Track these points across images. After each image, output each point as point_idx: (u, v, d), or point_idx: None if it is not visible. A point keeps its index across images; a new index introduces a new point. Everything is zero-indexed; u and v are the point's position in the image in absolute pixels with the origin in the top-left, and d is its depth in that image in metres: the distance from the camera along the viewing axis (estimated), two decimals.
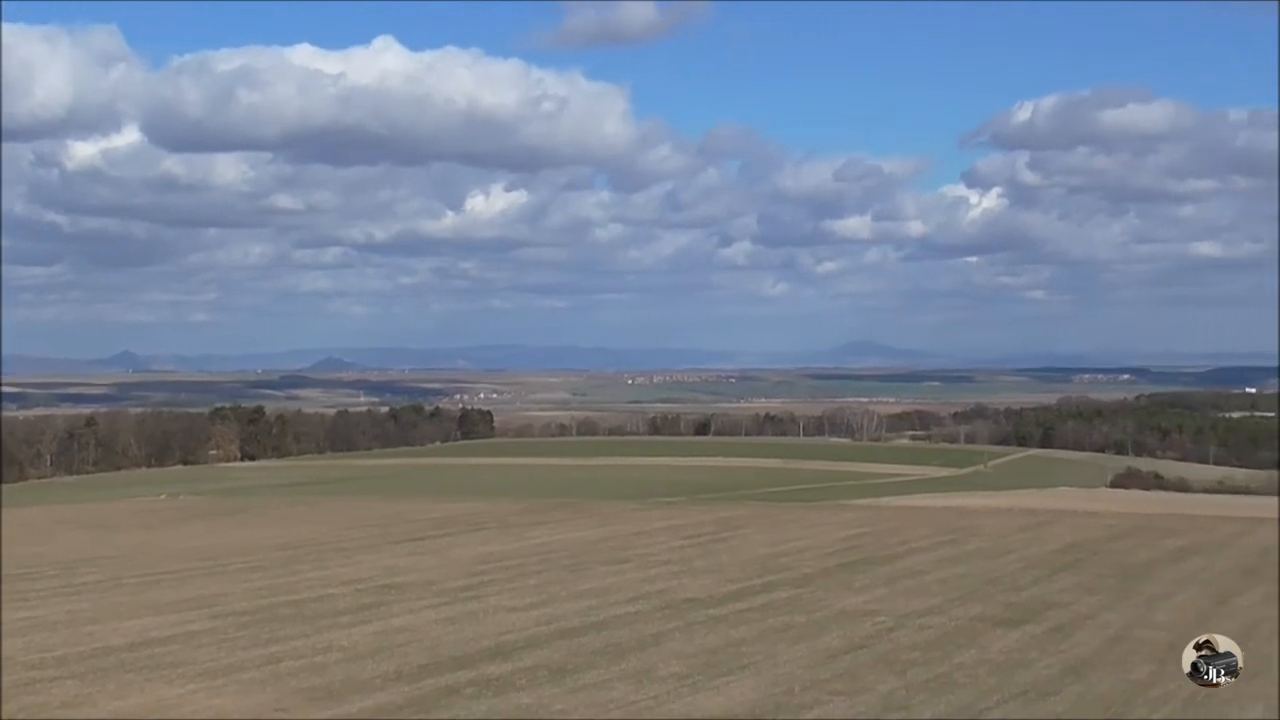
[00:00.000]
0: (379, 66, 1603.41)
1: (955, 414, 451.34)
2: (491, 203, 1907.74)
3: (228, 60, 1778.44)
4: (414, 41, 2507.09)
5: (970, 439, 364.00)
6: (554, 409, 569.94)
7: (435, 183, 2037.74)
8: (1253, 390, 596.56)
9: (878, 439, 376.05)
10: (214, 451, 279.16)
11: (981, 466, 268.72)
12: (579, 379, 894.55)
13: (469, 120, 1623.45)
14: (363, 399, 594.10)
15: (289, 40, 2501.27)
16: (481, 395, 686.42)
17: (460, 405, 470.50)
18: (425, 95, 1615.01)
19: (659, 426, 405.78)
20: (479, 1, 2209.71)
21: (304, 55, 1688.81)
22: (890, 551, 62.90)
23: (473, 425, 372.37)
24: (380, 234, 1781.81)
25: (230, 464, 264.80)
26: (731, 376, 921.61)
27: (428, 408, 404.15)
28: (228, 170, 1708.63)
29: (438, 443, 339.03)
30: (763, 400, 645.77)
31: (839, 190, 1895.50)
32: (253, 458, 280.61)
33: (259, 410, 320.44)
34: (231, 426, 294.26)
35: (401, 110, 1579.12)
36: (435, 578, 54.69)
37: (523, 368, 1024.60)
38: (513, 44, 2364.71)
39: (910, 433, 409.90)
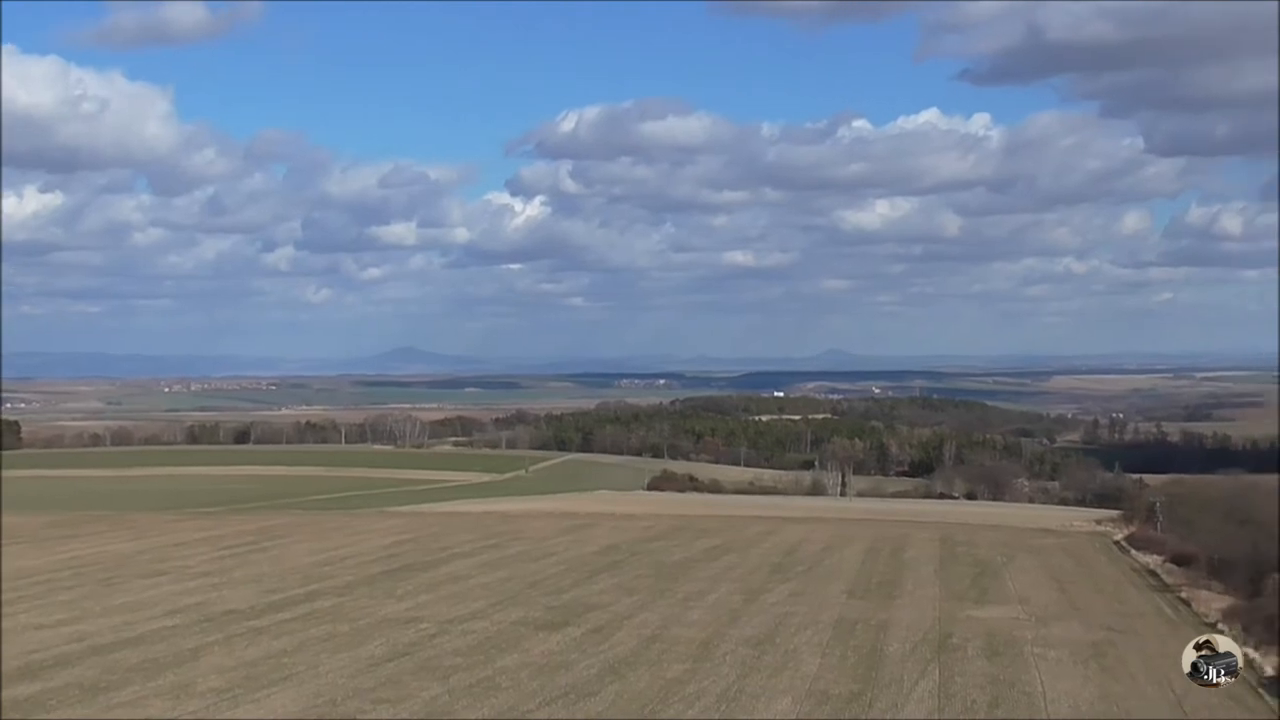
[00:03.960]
0: None
1: (497, 420, 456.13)
2: (24, 205, 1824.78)
3: None
4: None
5: (512, 444, 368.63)
6: (86, 418, 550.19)
7: None
8: (780, 394, 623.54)
9: (420, 445, 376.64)
10: None
11: (523, 471, 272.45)
12: (113, 387, 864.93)
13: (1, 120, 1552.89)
14: None
15: None
16: (8, 405, 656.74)
17: None
18: None
19: (197, 435, 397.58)
20: None
21: None
22: (433, 557, 63.05)
23: None
24: None
25: None
26: (273, 384, 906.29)
27: None
28: None
29: None
30: (304, 408, 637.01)
31: (385, 196, 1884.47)
32: None
33: None
34: None
35: None
36: None
37: (52, 376, 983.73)
38: (50, 41, 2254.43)
39: (453, 439, 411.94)
